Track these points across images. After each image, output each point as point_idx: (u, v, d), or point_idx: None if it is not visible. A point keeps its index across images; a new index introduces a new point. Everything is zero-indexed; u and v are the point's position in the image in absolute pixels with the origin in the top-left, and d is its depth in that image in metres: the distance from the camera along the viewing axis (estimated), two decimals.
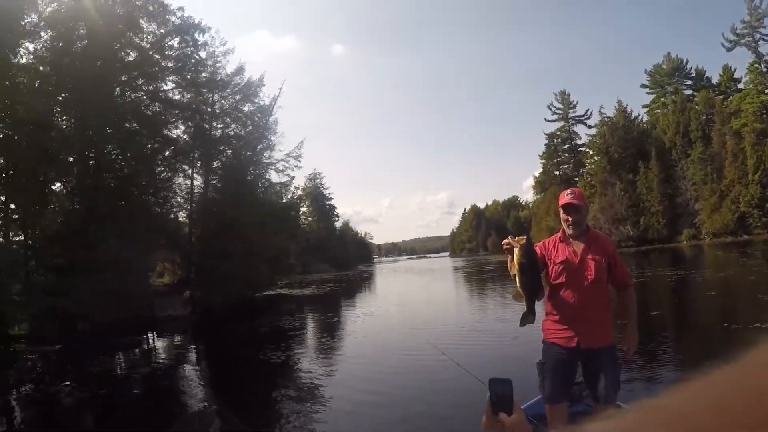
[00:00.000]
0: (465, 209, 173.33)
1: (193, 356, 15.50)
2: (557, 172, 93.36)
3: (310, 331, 18.20)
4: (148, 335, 19.39)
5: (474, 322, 15.92)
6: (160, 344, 18.25)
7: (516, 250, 3.62)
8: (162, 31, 26.52)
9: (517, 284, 3.67)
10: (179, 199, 30.60)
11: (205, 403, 9.11)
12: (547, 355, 4.02)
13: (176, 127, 29.28)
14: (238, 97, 33.14)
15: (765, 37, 69.61)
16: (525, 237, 3.68)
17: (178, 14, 26.59)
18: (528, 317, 3.80)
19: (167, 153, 27.84)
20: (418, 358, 10.39)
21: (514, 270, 3.65)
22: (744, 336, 9.54)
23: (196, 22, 27.47)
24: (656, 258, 39.27)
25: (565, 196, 3.98)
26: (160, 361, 14.74)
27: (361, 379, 9.66)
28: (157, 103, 27.07)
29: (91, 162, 24.10)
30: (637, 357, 7.59)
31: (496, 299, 22.15)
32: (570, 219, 3.96)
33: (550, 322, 4.04)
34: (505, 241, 3.73)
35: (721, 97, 71.43)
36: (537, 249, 3.90)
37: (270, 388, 9.70)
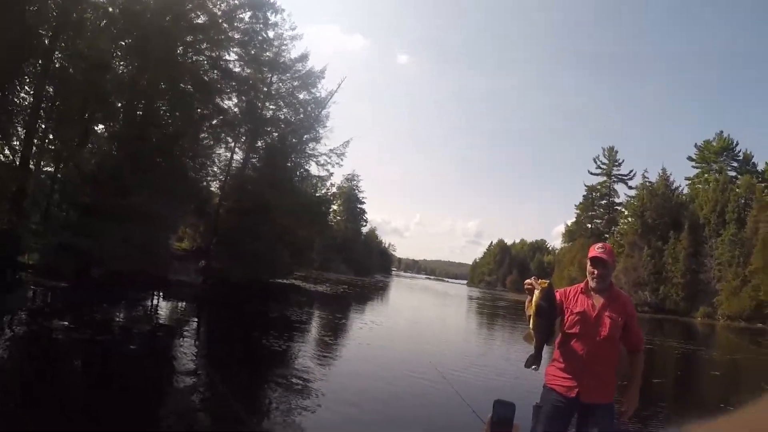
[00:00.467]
0: (492, 242, 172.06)
1: (194, 325, 15.40)
2: (589, 225, 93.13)
3: (316, 327, 18.08)
4: (156, 295, 19.39)
5: (480, 354, 15.86)
6: (165, 306, 18.19)
7: (537, 292, 3.64)
8: (236, 1, 26.60)
9: (531, 326, 3.68)
10: (216, 170, 30.76)
11: (196, 375, 8.94)
12: (544, 400, 3.97)
13: (229, 99, 29.34)
14: (296, 83, 33.28)
15: None
16: (547, 281, 3.71)
17: None
18: (534, 360, 3.77)
19: (215, 121, 27.93)
20: (417, 378, 10.26)
21: (531, 311, 3.66)
22: (737, 421, 9.87)
23: (271, 1, 27.54)
24: (669, 328, 38.91)
25: (596, 249, 3.99)
26: (162, 323, 14.60)
27: (358, 384, 9.65)
28: (215, 71, 27.07)
29: (138, 113, 24.17)
30: (632, 420, 7.33)
31: (504, 336, 22.12)
32: (596, 272, 3.93)
33: (554, 369, 3.99)
34: (528, 281, 3.78)
35: (764, 185, 70.37)
36: (557, 295, 3.87)
37: (265, 374, 9.61)
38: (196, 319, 16.81)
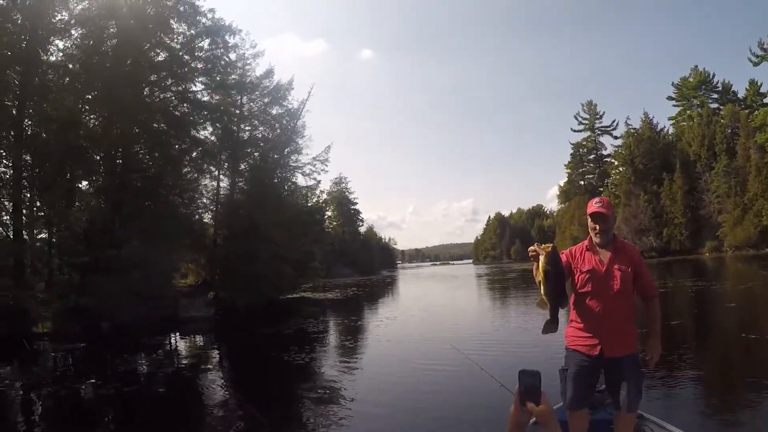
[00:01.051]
0: (489, 217, 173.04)
1: (216, 357, 15.46)
2: (582, 182, 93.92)
3: (334, 334, 18.20)
4: (172, 335, 19.44)
5: (496, 328, 15.89)
6: (183, 345, 18.21)
7: (541, 258, 3.62)
8: (192, 32, 26.52)
9: (542, 291, 3.67)
10: (205, 201, 31.05)
11: (228, 404, 9.06)
12: (569, 362, 4.01)
13: (204, 128, 29.38)
14: (266, 100, 33.30)
15: None
16: (551, 245, 3.71)
17: (209, 15, 26.65)
18: (551, 325, 3.79)
19: (194, 154, 27.99)
20: (441, 362, 10.51)
21: (539, 277, 3.65)
22: (761, 347, 10.24)
23: (227, 24, 27.57)
24: (678, 269, 39.35)
25: (594, 205, 3.98)
26: (184, 361, 14.73)
27: (385, 382, 9.69)
28: (185, 104, 27.09)
29: (118, 161, 24.19)
30: (658, 366, 7.39)
31: (518, 307, 22.23)
32: (597, 227, 3.96)
33: (573, 330, 4.03)
34: (531, 248, 3.76)
35: (747, 111, 71.72)
36: (563, 257, 3.90)
37: (293, 390, 9.65)
38: (215, 351, 16.88)
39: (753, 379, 7.77)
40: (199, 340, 19.02)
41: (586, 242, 4.06)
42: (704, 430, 5.65)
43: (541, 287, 3.64)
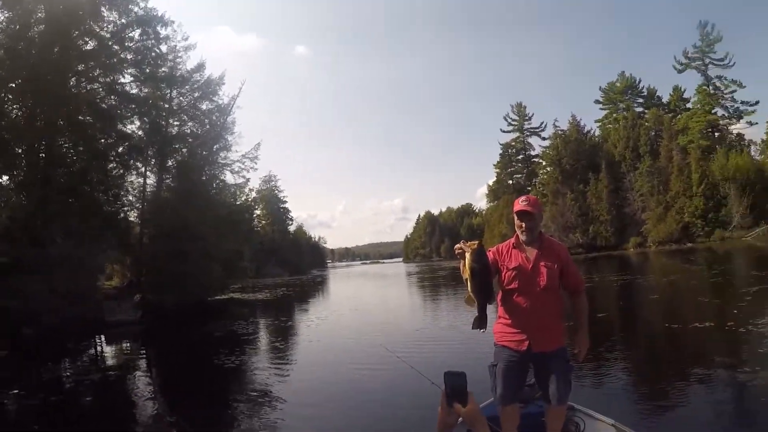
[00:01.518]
0: (419, 215, 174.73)
1: (145, 361, 14.86)
2: (510, 181, 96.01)
3: (264, 335, 17.88)
4: (98, 340, 18.68)
5: (427, 326, 15.94)
6: (110, 349, 17.45)
7: (467, 255, 3.61)
8: (123, 21, 25.57)
9: (469, 289, 3.65)
10: (131, 198, 29.82)
11: (159, 409, 8.71)
12: (498, 358, 4.04)
13: (131, 123, 28.37)
14: (196, 95, 32.42)
15: (714, 62, 74.82)
16: (477, 242, 3.68)
17: (141, 5, 25.86)
18: (479, 321, 3.73)
19: (121, 149, 26.90)
20: (372, 362, 10.48)
21: (466, 274, 3.64)
22: (684, 336, 10.71)
23: (160, 14, 26.72)
24: (604, 264, 40.55)
25: (520, 203, 3.99)
26: (112, 367, 14.01)
27: (317, 382, 9.66)
28: (113, 96, 26.05)
29: (41, 155, 22.97)
30: (587, 358, 7.48)
31: (448, 304, 22.46)
32: (523, 225, 3.97)
33: (501, 326, 4.06)
34: (457, 246, 3.75)
35: (670, 115, 76.45)
36: (490, 254, 3.92)
37: (225, 393, 9.48)
38: (144, 355, 16.19)
39: (677, 367, 8.25)
40: (127, 344, 18.31)
41: (513, 240, 4.08)
42: (634, 418, 5.70)
43: (468, 284, 3.63)
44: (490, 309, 3.63)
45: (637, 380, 7.91)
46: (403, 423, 6.61)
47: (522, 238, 3.99)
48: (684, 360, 8.70)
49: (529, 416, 4.25)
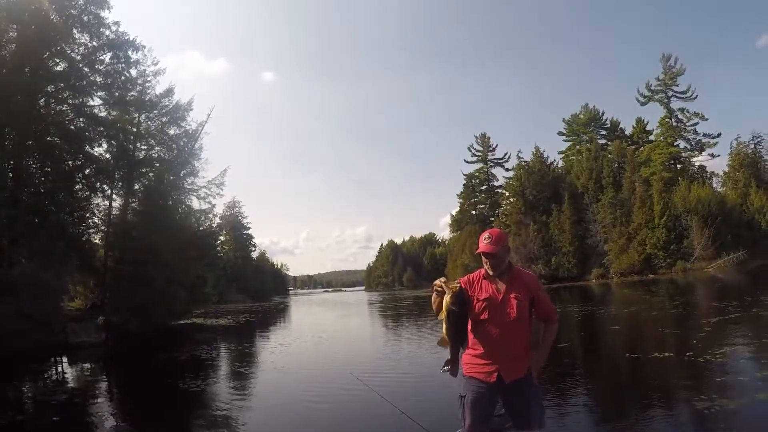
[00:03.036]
0: (382, 244, 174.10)
1: (108, 384, 14.74)
2: (474, 212, 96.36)
3: (228, 360, 17.83)
4: (61, 362, 18.41)
5: (391, 354, 15.94)
6: (74, 372, 17.22)
7: (447, 296, 3.64)
8: (95, 43, 25.66)
9: (444, 330, 3.72)
10: (96, 220, 29.53)
11: None
12: (467, 389, 3.97)
13: (99, 145, 28.29)
14: (164, 119, 32.42)
15: (677, 94, 76.14)
16: (459, 284, 3.73)
17: (113, 28, 25.94)
18: (451, 365, 3.88)
19: (88, 171, 26.77)
20: (336, 389, 10.50)
21: (442, 316, 3.69)
22: (645, 365, 10.85)
23: (131, 38, 26.80)
24: (567, 295, 40.53)
25: (483, 242, 3.95)
26: (75, 389, 13.81)
27: (280, 409, 9.66)
28: (81, 119, 26.00)
29: (9, 174, 22.73)
30: (550, 385, 8.11)
31: (411, 333, 22.54)
32: (489, 262, 3.95)
33: (470, 357, 4.02)
34: (437, 282, 3.80)
35: (633, 147, 77.45)
36: (465, 279, 3.98)
37: (187, 419, 9.41)
38: (107, 378, 16.08)
39: (639, 396, 8.38)
40: (90, 366, 18.06)
41: (483, 270, 4.03)
42: None
43: (444, 325, 3.69)
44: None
45: (600, 409, 8.07)
46: None
47: (489, 272, 3.97)
48: (645, 389, 8.79)
49: None
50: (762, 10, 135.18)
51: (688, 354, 11.03)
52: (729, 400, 7.30)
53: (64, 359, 18.80)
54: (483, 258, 3.96)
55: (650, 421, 7.04)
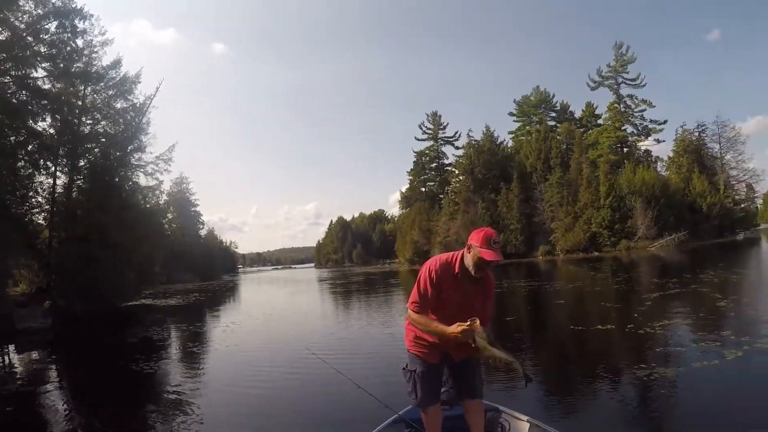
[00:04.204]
0: (332, 221, 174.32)
1: (58, 370, 14.08)
2: (423, 189, 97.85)
3: (179, 341, 17.45)
4: (8, 350, 17.57)
5: (344, 330, 16.14)
6: (21, 359, 16.39)
7: (479, 337, 3.56)
8: (40, 11, 24.21)
9: (496, 360, 3.63)
10: (39, 199, 28.16)
11: (73, 420, 8.30)
12: (415, 364, 4.06)
13: (43, 120, 26.92)
14: (111, 93, 31.00)
15: (626, 81, 79.04)
16: (476, 320, 3.56)
17: None
18: (527, 377, 3.85)
19: (30, 147, 25.51)
20: (294, 364, 10.86)
21: (488, 353, 3.59)
22: (589, 337, 11.47)
23: (78, 7, 25.39)
24: (514, 271, 41.24)
25: (491, 249, 3.66)
26: (24, 375, 13.22)
27: (234, 387, 9.61)
28: (24, 91, 24.67)
29: None
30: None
31: (362, 309, 22.69)
32: (485, 270, 3.79)
33: (421, 340, 4.04)
34: (463, 327, 3.59)
35: (582, 129, 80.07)
36: (436, 273, 3.85)
37: (141, 402, 9.19)
38: (56, 364, 15.35)
39: (583, 366, 9.11)
40: (38, 353, 17.25)
41: (457, 267, 3.83)
42: (547, 414, 6.10)
43: (494, 356, 3.59)
44: (402, 315, 3.68)
45: (547, 379, 8.32)
46: (328, 424, 6.67)
47: (475, 274, 3.79)
48: (589, 359, 9.49)
49: (450, 418, 4.32)
50: (714, 5, 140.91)
51: (629, 326, 11.64)
52: (667, 368, 7.80)
53: (11, 347, 17.99)
54: (478, 263, 3.72)
55: (595, 388, 7.52)
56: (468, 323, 3.53)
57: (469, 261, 3.75)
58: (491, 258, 3.62)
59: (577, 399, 7.15)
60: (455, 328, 3.59)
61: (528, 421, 4.50)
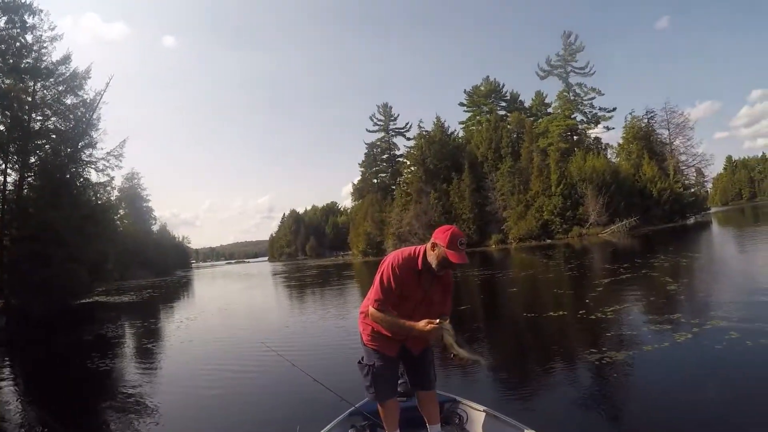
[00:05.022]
0: (284, 214, 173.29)
1: (12, 372, 13.93)
2: (375, 180, 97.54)
3: (134, 338, 17.48)
4: None
5: (299, 324, 16.21)
6: None
7: (447, 334, 3.61)
8: None
9: (460, 356, 3.66)
10: None
11: (28, 422, 8.29)
12: (373, 358, 4.05)
13: None
14: (61, 88, 30.41)
15: (575, 70, 79.44)
16: (446, 318, 3.67)
17: None
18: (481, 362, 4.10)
19: None
20: (250, 358, 10.86)
21: (454, 351, 3.64)
22: (541, 324, 11.67)
23: (27, 2, 24.90)
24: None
25: (458, 251, 3.65)
26: None
27: (191, 384, 9.62)
28: None
29: None
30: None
31: (316, 303, 22.82)
32: (447, 268, 3.80)
33: (377, 334, 4.04)
34: (434, 325, 3.60)
35: (532, 118, 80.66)
36: (396, 268, 3.80)
37: (97, 401, 9.16)
38: (9, 365, 15.16)
39: (537, 352, 9.39)
40: None
41: (420, 263, 3.79)
42: (506, 404, 6.20)
43: (458, 355, 3.65)
44: (356, 306, 3.89)
45: (503, 367, 8.37)
46: (283, 417, 6.75)
47: (437, 272, 3.78)
48: (543, 346, 9.68)
49: (407, 410, 4.36)
50: None
51: (581, 312, 11.86)
52: (619, 352, 8.01)
53: None
54: (442, 263, 3.70)
55: (549, 374, 7.75)
56: (438, 321, 3.57)
57: (432, 259, 3.70)
58: (457, 261, 3.61)
59: (532, 386, 7.27)
60: (425, 325, 3.60)
61: (485, 411, 4.53)
